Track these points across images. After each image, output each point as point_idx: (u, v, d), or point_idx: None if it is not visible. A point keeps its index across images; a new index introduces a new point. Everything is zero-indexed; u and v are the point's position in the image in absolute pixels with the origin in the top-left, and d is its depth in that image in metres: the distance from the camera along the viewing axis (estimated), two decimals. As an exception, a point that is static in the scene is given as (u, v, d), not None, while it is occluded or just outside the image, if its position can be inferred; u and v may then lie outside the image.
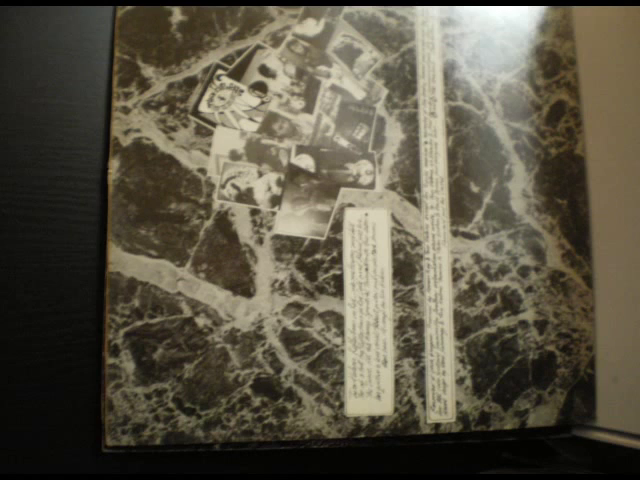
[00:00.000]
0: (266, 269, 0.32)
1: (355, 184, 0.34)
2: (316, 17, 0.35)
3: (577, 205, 0.37)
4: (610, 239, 0.36)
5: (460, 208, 0.35)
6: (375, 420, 0.33)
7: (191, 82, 0.33)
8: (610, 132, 0.36)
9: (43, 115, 0.32)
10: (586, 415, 0.36)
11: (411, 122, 0.35)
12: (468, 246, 0.35)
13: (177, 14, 0.33)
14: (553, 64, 0.38)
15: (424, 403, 0.34)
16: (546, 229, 0.36)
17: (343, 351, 0.33)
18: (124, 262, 0.31)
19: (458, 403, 0.34)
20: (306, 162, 0.34)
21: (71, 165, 0.32)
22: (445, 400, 0.34)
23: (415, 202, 0.35)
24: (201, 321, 0.31)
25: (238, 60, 0.34)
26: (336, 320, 0.33)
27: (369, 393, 0.33)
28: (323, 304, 0.33)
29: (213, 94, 0.33)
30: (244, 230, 0.32)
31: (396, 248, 0.34)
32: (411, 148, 0.35)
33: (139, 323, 0.31)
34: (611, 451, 0.36)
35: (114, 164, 0.31)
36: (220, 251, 0.32)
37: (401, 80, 0.35)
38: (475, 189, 0.36)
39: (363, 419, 0.33)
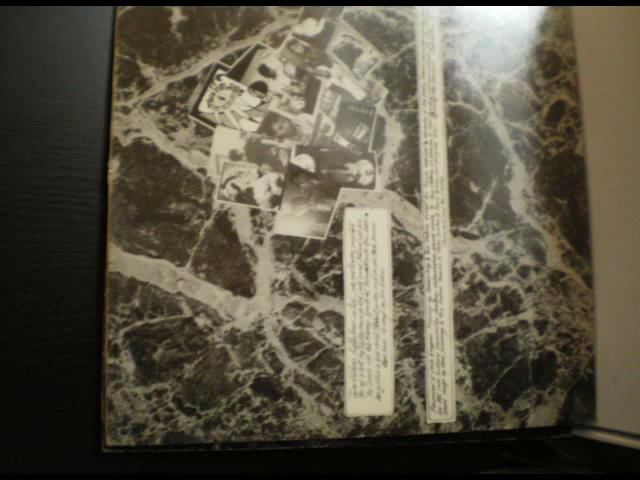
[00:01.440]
0: (266, 269, 0.32)
1: (355, 184, 0.34)
2: (316, 17, 0.35)
3: (577, 205, 0.37)
4: (610, 239, 0.36)
5: (460, 208, 0.35)
6: (375, 420, 0.33)
7: (191, 82, 0.33)
8: (610, 132, 0.36)
9: (43, 115, 0.32)
10: (586, 415, 0.36)
11: (411, 122, 0.35)
12: (468, 246, 0.35)
13: (177, 14, 0.33)
14: (553, 64, 0.38)
15: (424, 403, 0.34)
16: (546, 229, 0.36)
17: (343, 351, 0.33)
18: (124, 262, 0.31)
19: (458, 403, 0.34)
20: (306, 162, 0.34)
21: (71, 165, 0.32)
22: (445, 400, 0.34)
23: (415, 202, 0.35)
24: (201, 321, 0.31)
25: (238, 60, 0.34)
26: (336, 320, 0.33)
27: (369, 393, 0.33)
28: (323, 304, 0.33)
29: (213, 94, 0.33)
30: (244, 230, 0.32)
31: (396, 248, 0.34)
32: (411, 148, 0.35)
33: (139, 323, 0.31)
34: (611, 451, 0.36)
35: (114, 164, 0.31)
36: (220, 251, 0.32)
37: (401, 80, 0.35)
38: (475, 189, 0.36)
39: (363, 419, 0.33)
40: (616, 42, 0.36)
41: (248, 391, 0.31)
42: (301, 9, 0.35)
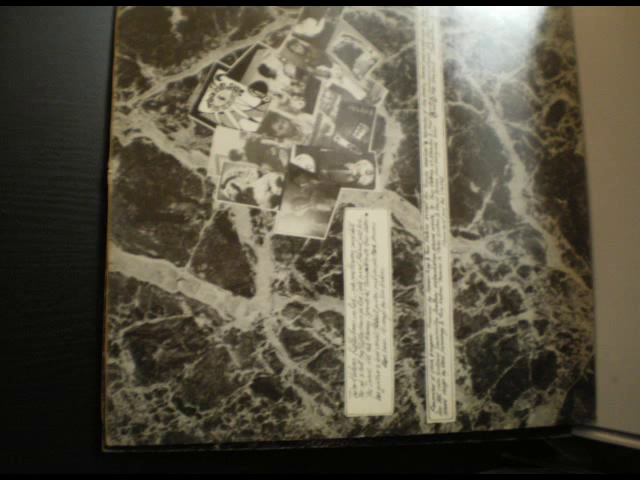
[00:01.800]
0: (266, 269, 0.32)
1: (355, 184, 0.34)
2: (316, 17, 0.35)
3: (577, 205, 0.37)
4: (610, 239, 0.36)
5: (460, 208, 0.35)
6: (375, 420, 0.33)
7: (191, 82, 0.33)
8: (610, 132, 0.36)
9: (43, 115, 0.32)
10: (586, 415, 0.36)
11: (411, 122, 0.35)
12: (468, 246, 0.35)
13: (177, 14, 0.33)
14: (553, 64, 0.38)
15: (424, 403, 0.34)
16: (546, 229, 0.36)
17: (343, 351, 0.33)
18: (124, 262, 0.31)
19: (458, 403, 0.34)
20: (306, 162, 0.34)
21: (71, 165, 0.32)
22: (445, 400, 0.34)
23: (415, 202, 0.35)
24: (201, 321, 0.31)
25: (238, 60, 0.34)
26: (336, 320, 0.33)
27: (369, 393, 0.33)
28: (323, 304, 0.33)
29: (213, 94, 0.33)
30: (244, 230, 0.32)
31: (396, 248, 0.34)
32: (411, 148, 0.35)
33: (139, 323, 0.31)
34: (611, 451, 0.36)
35: (114, 164, 0.31)
36: (220, 251, 0.32)
37: (401, 80, 0.35)
38: (475, 189, 0.36)
39: (363, 419, 0.33)
40: (616, 42, 0.36)
41: (248, 391, 0.31)
42: (301, 9, 0.35)
